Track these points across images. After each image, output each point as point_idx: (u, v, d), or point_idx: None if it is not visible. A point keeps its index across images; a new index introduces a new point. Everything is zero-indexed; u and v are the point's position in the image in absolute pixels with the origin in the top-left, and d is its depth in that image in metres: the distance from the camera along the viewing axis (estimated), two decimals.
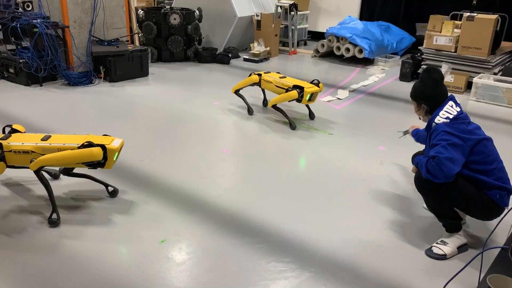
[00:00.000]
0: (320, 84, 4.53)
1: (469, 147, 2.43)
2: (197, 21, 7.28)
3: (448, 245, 2.59)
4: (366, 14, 9.08)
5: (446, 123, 2.47)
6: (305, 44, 9.19)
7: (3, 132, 3.01)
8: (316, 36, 9.35)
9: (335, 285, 2.31)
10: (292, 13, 8.16)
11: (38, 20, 5.41)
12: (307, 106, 4.80)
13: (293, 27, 8.28)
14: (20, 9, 5.75)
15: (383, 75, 6.93)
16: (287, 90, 4.47)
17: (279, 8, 8.20)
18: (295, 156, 3.90)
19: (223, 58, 7.35)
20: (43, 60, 5.50)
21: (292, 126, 4.47)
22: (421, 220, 2.95)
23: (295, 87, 4.43)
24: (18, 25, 5.33)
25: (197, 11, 7.29)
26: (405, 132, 3.42)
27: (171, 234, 2.69)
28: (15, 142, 2.76)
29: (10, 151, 2.73)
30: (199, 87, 6.07)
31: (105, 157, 2.68)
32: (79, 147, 2.66)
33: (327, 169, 3.66)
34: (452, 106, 2.52)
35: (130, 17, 6.82)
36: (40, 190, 3.07)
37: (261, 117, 4.85)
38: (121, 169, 3.48)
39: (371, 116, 5.01)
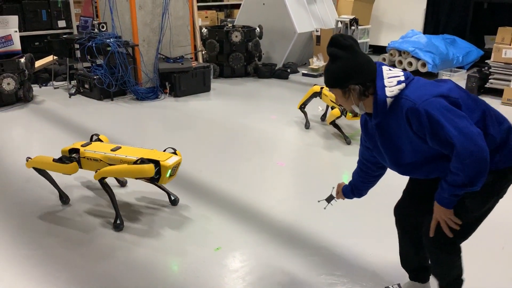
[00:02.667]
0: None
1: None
2: (257, 38, 7.48)
3: None
4: (431, 27, 8.84)
5: (411, 89, 1.72)
6: None
7: (90, 139, 3.32)
8: (378, 50, 9.23)
9: None
10: (353, 27, 8.14)
11: (111, 40, 5.84)
12: None
13: None
14: (95, 29, 6.24)
15: None
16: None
17: (339, 23, 8.22)
18: (349, 171, 3.88)
19: (281, 73, 7.48)
20: (115, 77, 5.92)
21: (347, 141, 4.45)
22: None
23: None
24: (93, 44, 5.79)
25: (258, 29, 7.50)
26: (329, 199, 2.49)
27: (225, 242, 2.79)
28: (90, 150, 3.05)
29: (84, 157, 3.03)
30: (258, 102, 6.22)
31: (159, 172, 2.83)
32: (134, 163, 2.85)
33: (382, 184, 3.60)
34: (390, 70, 1.81)
35: (194, 36, 7.15)
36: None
37: (318, 131, 4.88)
38: (182, 179, 3.66)
39: None
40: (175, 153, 3.02)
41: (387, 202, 3.29)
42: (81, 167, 3.08)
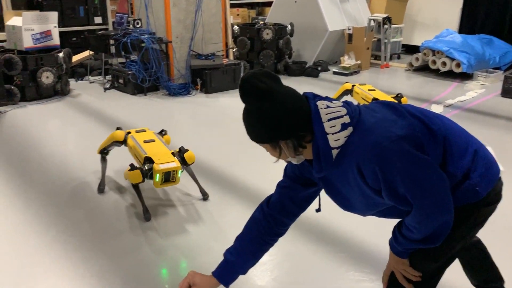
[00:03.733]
0: (403, 98, 4.43)
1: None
2: (288, 35, 7.48)
3: None
4: (466, 27, 8.61)
5: (361, 133, 1.37)
6: (399, 57, 8.97)
7: (159, 133, 3.45)
8: (411, 49, 9.07)
9: None
10: (386, 26, 8.03)
11: (146, 36, 5.97)
12: None
13: (386, 41, 8.14)
14: (130, 26, 6.39)
15: (482, 90, 6.53)
16: None
17: (372, 21, 8.13)
18: None
19: (312, 71, 7.46)
20: (148, 72, 6.05)
21: None
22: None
23: (374, 99, 4.37)
24: (128, 40, 5.94)
25: (289, 26, 7.50)
26: None
27: None
28: (134, 136, 3.20)
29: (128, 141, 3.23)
30: None
31: (151, 176, 2.83)
32: (143, 158, 2.94)
33: None
34: (328, 107, 1.41)
35: (226, 33, 7.22)
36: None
37: None
38: (212, 173, 3.72)
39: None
40: (180, 155, 3.04)
41: None
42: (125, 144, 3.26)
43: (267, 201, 1.85)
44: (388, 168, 1.33)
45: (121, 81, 6.34)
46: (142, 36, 5.96)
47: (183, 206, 3.21)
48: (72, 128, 4.98)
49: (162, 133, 3.44)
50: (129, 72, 6.10)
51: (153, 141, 3.14)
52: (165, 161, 2.85)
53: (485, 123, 5.12)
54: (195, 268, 2.50)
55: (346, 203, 1.61)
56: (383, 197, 1.42)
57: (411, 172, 1.33)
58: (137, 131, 3.29)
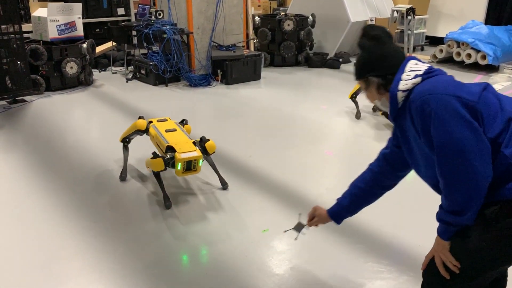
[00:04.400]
0: None
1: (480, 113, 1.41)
2: (310, 27, 7.43)
3: None
4: (493, 18, 8.40)
5: (424, 84, 1.50)
6: (422, 49, 8.82)
7: (181, 122, 3.52)
8: (435, 41, 8.90)
9: None
10: (409, 17, 7.89)
11: (167, 27, 6.02)
12: None
13: (409, 32, 8.00)
14: (152, 17, 6.45)
15: (509, 83, 6.37)
16: None
17: (395, 12, 8.00)
18: None
19: (333, 63, 7.40)
20: (170, 63, 6.11)
21: None
22: None
23: None
24: (150, 31, 6.00)
25: (310, 17, 7.44)
26: (299, 227, 2.28)
27: (273, 225, 2.85)
28: (156, 125, 3.28)
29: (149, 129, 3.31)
30: (308, 91, 6.20)
31: (173, 165, 2.91)
32: (165, 147, 2.99)
33: None
34: (416, 64, 1.59)
35: (247, 24, 7.22)
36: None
37: (369, 122, 4.81)
38: (232, 163, 3.75)
39: None
40: (201, 145, 3.11)
41: (435, 198, 3.22)
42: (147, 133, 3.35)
43: (383, 156, 2.00)
44: (427, 111, 1.42)
45: (143, 71, 6.42)
46: (164, 27, 6.02)
47: (203, 195, 3.26)
48: (95, 117, 5.08)
49: (183, 122, 3.48)
50: (151, 63, 6.16)
51: (175, 130, 3.19)
52: (186, 150, 2.90)
53: None
54: (215, 255, 2.55)
55: (415, 162, 1.69)
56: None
57: (448, 122, 1.37)
58: (158, 121, 3.35)
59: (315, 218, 2.17)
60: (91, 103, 5.56)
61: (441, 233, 1.55)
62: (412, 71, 1.55)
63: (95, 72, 6.85)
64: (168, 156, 2.90)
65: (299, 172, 3.63)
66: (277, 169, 3.67)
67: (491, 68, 7.06)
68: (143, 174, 3.59)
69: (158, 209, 3.06)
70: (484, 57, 6.86)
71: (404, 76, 1.55)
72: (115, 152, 3.88)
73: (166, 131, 3.15)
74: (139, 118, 3.35)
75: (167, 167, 2.93)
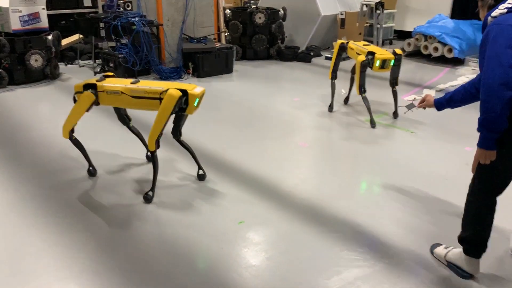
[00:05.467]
0: (397, 51, 4.42)
1: None
2: (281, 20, 7.42)
3: (450, 252, 2.35)
4: (458, 12, 8.61)
5: (505, 15, 1.97)
6: (391, 43, 8.95)
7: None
8: (403, 35, 9.05)
9: (410, 278, 2.29)
10: (378, 11, 7.99)
11: (136, 19, 5.88)
12: (395, 102, 4.66)
13: (378, 26, 8.11)
14: (121, 8, 6.28)
15: (474, 75, 6.54)
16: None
17: (364, 6, 8.09)
18: (373, 152, 3.87)
19: (305, 56, 7.42)
20: (139, 56, 5.97)
21: (372, 124, 4.42)
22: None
23: (369, 53, 4.34)
24: (118, 23, 5.84)
25: (281, 10, 7.43)
26: (410, 106, 3.06)
27: (249, 217, 2.83)
28: (108, 83, 3.03)
29: (103, 91, 3.00)
30: (281, 84, 6.20)
31: (186, 102, 2.88)
32: (161, 93, 2.85)
33: (406, 167, 3.59)
34: (510, 2, 2.01)
35: (218, 17, 7.14)
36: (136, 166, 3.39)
37: (341, 113, 4.85)
38: (206, 156, 3.70)
39: (458, 117, 4.78)
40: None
41: (411, 186, 3.28)
42: (98, 103, 3.05)
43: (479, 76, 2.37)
44: (491, 31, 1.97)
45: (111, 64, 6.25)
46: (133, 19, 5.87)
47: (180, 187, 3.19)
48: (61, 111, 4.88)
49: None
50: (120, 56, 6.01)
51: (139, 81, 3.05)
52: (194, 87, 2.96)
53: (475, 107, 5.12)
54: (191, 247, 2.50)
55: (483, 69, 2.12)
56: None
57: (500, 44, 1.91)
58: (98, 81, 3.06)
59: (424, 102, 2.69)
60: (57, 97, 5.37)
61: (479, 141, 2.02)
62: (507, 5, 2.00)
63: (62, 66, 6.62)
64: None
65: (274, 163, 3.62)
66: (252, 161, 3.65)
67: (457, 61, 7.24)
68: (112, 170, 3.49)
69: (130, 202, 2.98)
70: (450, 50, 7.03)
71: (500, 6, 2.02)
72: (86, 145, 3.75)
73: (133, 83, 3.00)
74: (77, 94, 3.04)
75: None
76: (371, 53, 4.31)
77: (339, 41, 4.78)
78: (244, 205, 2.99)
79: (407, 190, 3.20)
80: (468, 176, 3.27)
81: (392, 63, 4.37)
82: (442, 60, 7.32)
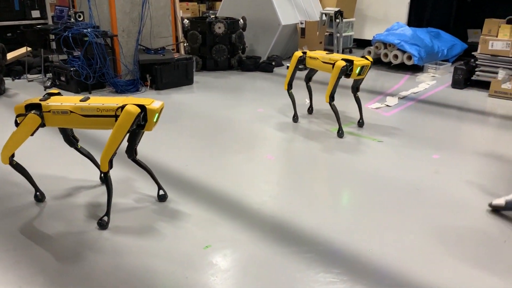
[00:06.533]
0: (369, 58, 4.30)
1: None
2: (241, 30, 7.28)
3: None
4: (415, 20, 8.79)
5: None
6: (351, 51, 9.01)
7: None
8: (362, 43, 9.14)
9: None
10: (338, 20, 8.01)
11: (89, 30, 5.56)
12: (360, 111, 4.56)
13: (338, 35, 8.13)
14: (72, 19, 5.94)
15: (434, 82, 6.64)
16: (333, 65, 4.20)
17: (324, 15, 8.09)
18: (342, 164, 3.75)
19: (266, 66, 7.30)
20: (92, 68, 5.65)
21: (340, 134, 4.30)
22: (480, 230, 2.71)
23: (345, 60, 4.18)
24: (69, 34, 5.50)
25: (241, 20, 7.30)
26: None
27: (215, 240, 2.61)
28: (54, 102, 2.70)
29: (49, 111, 2.68)
30: (243, 95, 6.03)
31: (145, 118, 2.63)
32: (116, 110, 2.59)
33: (377, 178, 3.48)
34: None
35: (176, 27, 6.91)
36: (86, 187, 3.09)
37: (307, 123, 4.72)
38: (167, 174, 3.45)
39: (423, 124, 4.77)
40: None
41: (382, 198, 3.16)
42: (44, 125, 2.72)
43: None
44: None
45: (63, 78, 5.88)
46: (85, 30, 5.55)
47: (139, 209, 2.93)
48: (7, 130, 4.50)
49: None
50: (72, 69, 5.66)
51: (89, 97, 2.76)
52: (151, 102, 2.70)
53: (438, 113, 5.17)
54: (152, 277, 2.25)
55: None
56: None
57: None
58: (41, 100, 2.74)
59: None
60: (2, 114, 4.96)
61: None
62: None
63: (8, 81, 6.18)
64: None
65: (241, 179, 3.41)
66: (217, 177, 3.43)
67: (417, 68, 7.34)
68: (60, 191, 3.18)
69: (82, 229, 2.69)
70: (409, 57, 7.11)
71: None
72: (31, 168, 3.42)
73: (82, 100, 2.71)
74: (18, 117, 2.71)
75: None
76: (348, 60, 4.18)
77: (297, 53, 4.61)
78: (210, 226, 2.76)
79: (380, 202, 3.08)
80: (439, 184, 3.19)
81: (368, 69, 4.27)
82: (402, 68, 7.40)
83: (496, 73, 5.87)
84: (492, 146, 4.19)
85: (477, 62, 6.20)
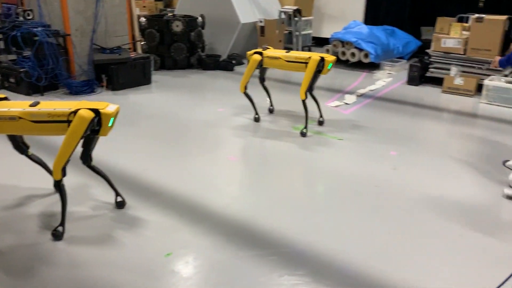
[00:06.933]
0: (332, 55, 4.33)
1: None
2: (200, 28, 7.18)
3: None
4: (370, 18, 8.97)
5: None
6: (310, 49, 9.07)
7: None
8: (321, 41, 9.24)
9: None
10: (296, 18, 8.06)
11: (39, 29, 5.31)
12: (319, 110, 4.59)
13: (297, 33, 8.17)
14: (20, 18, 5.66)
15: (390, 79, 6.80)
16: (305, 63, 4.20)
17: (282, 14, 8.11)
18: (305, 163, 3.76)
19: (227, 65, 7.24)
20: (44, 69, 5.40)
21: (303, 132, 4.31)
22: (444, 229, 2.79)
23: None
24: (18, 34, 5.24)
25: (200, 18, 7.20)
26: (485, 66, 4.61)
27: (177, 247, 2.54)
28: (1, 108, 2.54)
29: None
30: (204, 95, 5.95)
31: (99, 123, 2.53)
32: (69, 114, 2.47)
33: (338, 176, 3.51)
34: None
35: (132, 25, 6.73)
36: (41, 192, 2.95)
37: (268, 123, 4.71)
38: (124, 179, 3.34)
39: (381, 121, 4.87)
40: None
41: (344, 197, 3.19)
42: None
43: None
44: None
45: (12, 80, 5.59)
46: (35, 29, 5.30)
47: (96, 217, 2.82)
48: None
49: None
50: (22, 70, 5.39)
51: (39, 102, 2.60)
52: (106, 106, 2.57)
53: (395, 110, 5.30)
54: (120, 279, 2.16)
55: None
56: None
57: None
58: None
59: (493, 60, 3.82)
60: None
61: None
62: None
63: None
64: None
65: (203, 182, 3.36)
66: (178, 181, 3.35)
67: (374, 66, 7.49)
68: (10, 201, 3.01)
69: (35, 241, 2.55)
70: (366, 55, 7.24)
71: None
72: None
73: (32, 105, 2.56)
74: None
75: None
76: (320, 57, 4.19)
77: (257, 57, 4.50)
78: (171, 233, 2.70)
79: (341, 201, 3.11)
80: (397, 180, 3.26)
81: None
82: (359, 65, 7.53)
83: (449, 69, 6.08)
84: (446, 141, 4.33)
85: (430, 59, 6.41)
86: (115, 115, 2.63)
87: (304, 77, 4.24)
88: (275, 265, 2.40)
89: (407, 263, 2.44)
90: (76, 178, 3.20)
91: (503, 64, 3.79)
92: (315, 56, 4.20)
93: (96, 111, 2.51)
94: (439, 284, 2.28)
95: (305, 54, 4.36)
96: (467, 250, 2.56)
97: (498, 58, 3.85)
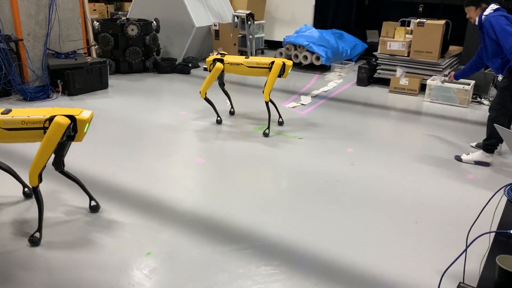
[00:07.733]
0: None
1: None
2: (155, 31, 7.20)
3: (470, 155, 3.94)
4: (319, 22, 9.35)
5: (492, 13, 3.62)
6: (262, 52, 9.33)
7: None
8: (273, 45, 9.51)
9: (326, 284, 2.36)
10: (249, 22, 8.26)
11: None
12: (278, 111, 4.81)
13: (250, 36, 8.38)
14: None
15: (340, 80, 7.16)
16: (269, 68, 4.45)
17: (236, 17, 8.29)
18: (271, 161, 3.95)
19: (183, 68, 7.31)
20: None
21: (265, 133, 4.50)
22: (401, 216, 3.07)
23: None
24: None
25: (154, 22, 7.22)
26: (443, 81, 5.30)
27: (155, 247, 2.64)
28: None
29: None
30: (162, 98, 6.00)
31: (75, 129, 2.57)
32: (44, 121, 2.50)
33: (302, 172, 3.73)
34: (494, 4, 3.70)
35: (86, 29, 6.64)
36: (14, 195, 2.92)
37: (230, 125, 4.86)
38: (95, 183, 3.37)
39: (335, 120, 5.17)
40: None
41: (308, 191, 3.41)
42: None
43: (478, 54, 4.08)
44: (490, 24, 3.62)
45: None
46: None
47: (70, 222, 2.84)
48: None
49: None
50: None
51: (10, 110, 2.61)
52: (80, 112, 2.63)
53: (347, 109, 5.62)
54: (102, 281, 2.23)
55: (486, 54, 3.86)
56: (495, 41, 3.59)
57: (500, 26, 3.55)
58: None
59: (450, 77, 4.45)
60: None
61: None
62: (492, 7, 3.67)
63: None
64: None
65: (173, 183, 3.45)
66: (148, 183, 3.43)
67: (325, 68, 7.85)
68: None
69: (10, 248, 2.56)
70: (318, 58, 7.57)
71: (489, 8, 3.70)
72: None
73: (4, 113, 2.55)
74: None
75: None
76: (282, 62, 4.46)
77: (219, 65, 4.61)
78: (148, 233, 2.78)
79: (306, 195, 3.32)
80: (356, 175, 3.51)
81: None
82: (311, 68, 7.85)
83: (395, 71, 6.51)
84: (395, 136, 4.68)
85: (377, 61, 6.82)
86: (90, 120, 2.68)
87: (267, 80, 4.45)
88: (252, 257, 2.56)
89: (372, 250, 2.68)
90: (46, 184, 3.19)
91: (458, 78, 4.37)
92: (278, 60, 4.42)
93: (71, 118, 2.55)
94: (390, 262, 2.53)
95: (266, 60, 4.56)
96: (422, 235, 2.85)
97: (453, 73, 4.44)
